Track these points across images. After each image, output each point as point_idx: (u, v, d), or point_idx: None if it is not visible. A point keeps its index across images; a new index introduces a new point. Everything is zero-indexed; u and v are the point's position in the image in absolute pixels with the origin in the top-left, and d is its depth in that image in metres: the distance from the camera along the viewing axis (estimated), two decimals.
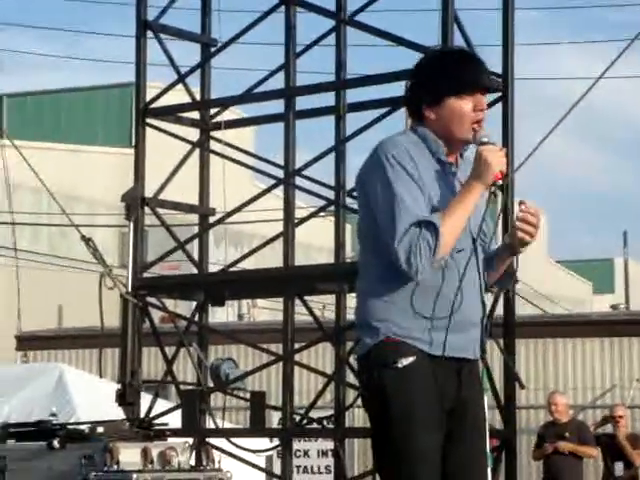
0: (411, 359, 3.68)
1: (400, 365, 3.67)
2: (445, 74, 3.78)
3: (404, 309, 3.69)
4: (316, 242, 22.48)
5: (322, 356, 13.43)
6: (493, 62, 7.97)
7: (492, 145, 3.78)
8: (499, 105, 7.80)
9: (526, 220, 3.77)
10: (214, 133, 8.86)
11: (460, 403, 3.80)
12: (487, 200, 3.84)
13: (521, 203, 3.82)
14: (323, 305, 16.02)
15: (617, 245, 35.81)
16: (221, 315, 18.02)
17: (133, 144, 8.88)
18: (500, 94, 7.77)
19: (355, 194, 8.25)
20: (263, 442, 9.34)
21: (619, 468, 10.77)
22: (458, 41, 7.70)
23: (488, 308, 3.89)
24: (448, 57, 3.92)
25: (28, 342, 16.39)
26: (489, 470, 4.66)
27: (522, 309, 15.12)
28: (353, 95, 8.39)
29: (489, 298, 6.57)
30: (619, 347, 13.79)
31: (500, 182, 3.77)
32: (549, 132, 7.65)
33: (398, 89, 8.85)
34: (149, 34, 8.71)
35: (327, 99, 8.42)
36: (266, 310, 20.51)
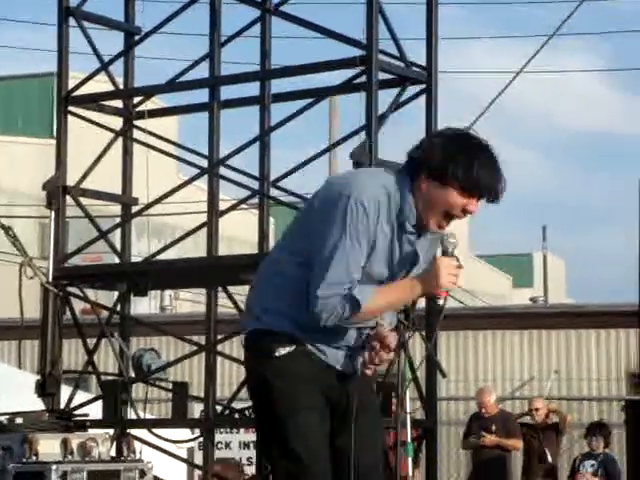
0: (289, 348, 3.81)
1: (278, 354, 3.81)
2: (468, 169, 3.71)
3: (290, 310, 3.81)
4: (240, 236, 22.44)
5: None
6: (417, 55, 8.05)
7: (452, 258, 3.79)
8: (423, 97, 7.88)
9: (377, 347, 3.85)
10: (137, 122, 8.80)
11: (344, 395, 3.90)
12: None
13: (377, 324, 3.87)
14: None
15: (536, 240, 36.33)
16: (143, 307, 17.91)
17: (54, 134, 8.77)
18: (424, 86, 7.84)
19: (281, 186, 8.26)
20: (185, 434, 9.30)
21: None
22: (383, 33, 7.75)
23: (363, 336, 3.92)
24: (482, 153, 3.78)
25: None
26: (410, 460, 4.70)
27: None
28: (278, 86, 8.40)
29: None
30: (538, 339, 13.98)
31: (441, 301, 3.80)
32: (469, 126, 7.73)
33: (322, 80, 8.88)
34: (71, 22, 8.61)
35: (252, 90, 8.42)
36: (188, 302, 20.42)
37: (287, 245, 3.89)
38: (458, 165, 3.71)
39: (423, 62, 7.91)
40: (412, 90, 7.92)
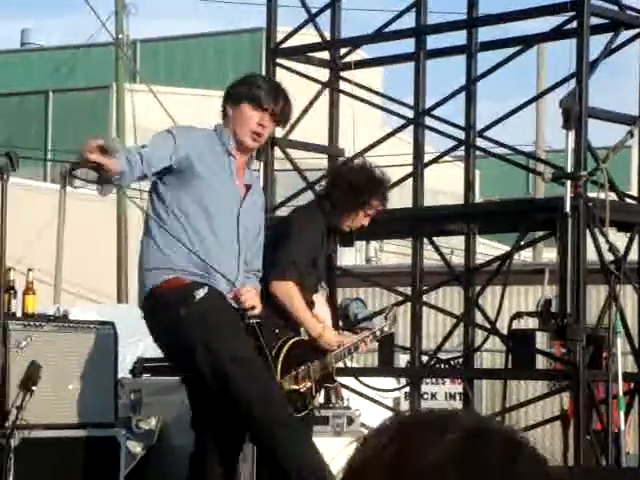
0: (203, 290, 4.58)
1: (198, 297, 4.55)
2: (249, 86, 5.10)
3: (186, 258, 4.64)
4: (443, 188, 22.34)
5: (449, 299, 13.38)
6: None
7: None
8: (638, 42, 7.62)
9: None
10: (343, 73, 8.83)
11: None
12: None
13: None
14: (451, 250, 15.94)
15: None
16: (349, 259, 18.09)
17: None
18: (639, 30, 7.57)
19: (487, 136, 8.16)
20: (391, 384, 9.36)
21: None
22: None
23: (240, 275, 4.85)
24: (259, 78, 5.46)
25: None
26: (621, 413, 4.58)
27: None
28: (485, 34, 8.27)
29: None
30: None
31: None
32: None
33: (530, 27, 8.68)
34: None
35: (458, 39, 8.31)
36: (393, 254, 20.51)
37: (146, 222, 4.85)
38: (244, 87, 5.08)
39: (639, 5, 7.63)
40: (625, 35, 7.66)
